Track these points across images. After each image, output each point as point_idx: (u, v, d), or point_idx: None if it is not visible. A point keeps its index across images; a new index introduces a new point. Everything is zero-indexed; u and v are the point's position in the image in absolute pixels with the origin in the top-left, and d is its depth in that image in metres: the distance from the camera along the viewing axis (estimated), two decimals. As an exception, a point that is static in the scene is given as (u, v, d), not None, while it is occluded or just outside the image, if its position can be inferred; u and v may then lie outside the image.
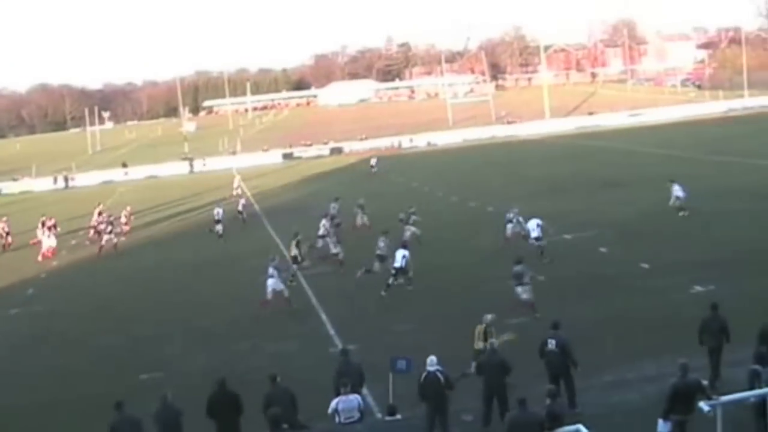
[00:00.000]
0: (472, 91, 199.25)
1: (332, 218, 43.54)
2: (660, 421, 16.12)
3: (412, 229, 39.63)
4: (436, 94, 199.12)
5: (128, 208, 56.50)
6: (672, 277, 30.22)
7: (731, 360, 20.08)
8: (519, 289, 27.72)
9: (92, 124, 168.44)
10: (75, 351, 28.42)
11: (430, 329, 26.50)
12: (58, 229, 51.13)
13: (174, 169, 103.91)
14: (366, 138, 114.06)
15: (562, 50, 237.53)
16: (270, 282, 30.81)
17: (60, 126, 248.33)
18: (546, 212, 43.04)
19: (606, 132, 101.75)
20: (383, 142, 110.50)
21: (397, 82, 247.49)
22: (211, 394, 17.73)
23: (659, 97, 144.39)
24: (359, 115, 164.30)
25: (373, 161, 78.16)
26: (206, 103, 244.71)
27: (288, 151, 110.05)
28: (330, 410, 16.72)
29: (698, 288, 28.39)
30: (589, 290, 29.68)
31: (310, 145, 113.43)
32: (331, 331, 27.38)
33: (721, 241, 35.75)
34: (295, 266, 36.03)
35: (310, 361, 23.97)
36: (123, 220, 53.60)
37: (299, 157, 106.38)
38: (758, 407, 16.61)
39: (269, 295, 30.72)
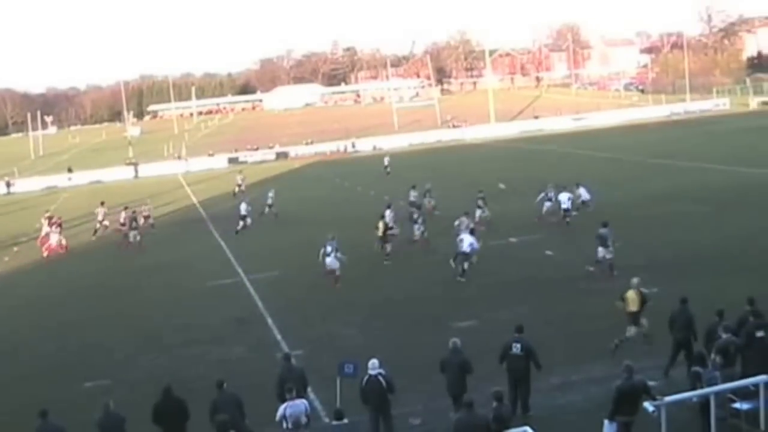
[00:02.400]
0: (417, 95, 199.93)
1: (411, 204, 46.65)
2: (606, 422, 16.30)
3: (481, 213, 41.82)
4: (382, 99, 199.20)
5: (149, 205, 56.41)
6: (616, 279, 30.42)
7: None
8: (601, 249, 31.34)
9: (35, 128, 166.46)
10: (18, 358, 28.04)
11: (377, 333, 26.56)
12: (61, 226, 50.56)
13: (119, 174, 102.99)
14: (312, 142, 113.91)
15: (507, 55, 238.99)
16: (328, 260, 33.80)
17: (1, 131, 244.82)
18: (492, 215, 43.35)
19: (550, 136, 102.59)
20: (329, 147, 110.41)
21: (342, 87, 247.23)
22: (157, 401, 17.61)
23: (603, 101, 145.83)
24: (305, 120, 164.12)
25: (386, 161, 75.85)
26: (151, 108, 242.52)
27: (234, 155, 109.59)
28: (278, 417, 16.67)
29: (642, 290, 28.66)
30: (534, 293, 29.88)
31: (256, 149, 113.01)
32: (278, 337, 27.31)
33: (664, 243, 36.21)
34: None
35: (257, 366, 23.86)
36: (146, 214, 53.36)
37: (245, 162, 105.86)
38: (702, 407, 16.89)
39: (327, 268, 33.95)
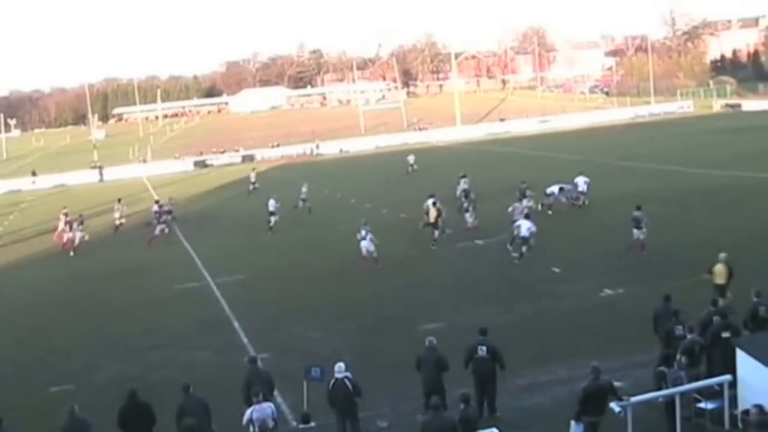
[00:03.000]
0: (383, 97, 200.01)
1: (466, 193, 47.86)
2: (572, 423, 16.39)
3: (527, 203, 42.20)
4: (348, 101, 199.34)
5: (173, 199, 56.43)
6: (582, 280, 30.73)
7: (639, 361, 20.54)
8: (636, 231, 34.17)
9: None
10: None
11: (343, 336, 26.56)
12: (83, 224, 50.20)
13: (83, 177, 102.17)
14: (278, 145, 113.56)
15: (473, 57, 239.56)
16: (363, 244, 36.34)
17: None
18: (458, 218, 43.44)
19: (516, 138, 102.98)
20: (295, 149, 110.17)
21: (309, 89, 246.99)
22: (123, 405, 17.50)
23: (568, 103, 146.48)
24: (271, 122, 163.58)
25: (411, 159, 74.35)
26: (116, 111, 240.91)
27: (200, 158, 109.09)
28: (244, 420, 16.62)
29: (608, 291, 28.97)
30: (501, 294, 30.04)
31: (222, 152, 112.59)
32: (244, 340, 27.24)
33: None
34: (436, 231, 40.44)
35: (223, 370, 23.77)
36: (168, 209, 52.91)
37: (211, 165, 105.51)
38: (667, 407, 17.01)
39: (364, 253, 36.36)
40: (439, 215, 40.72)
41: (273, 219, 48.59)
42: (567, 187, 45.89)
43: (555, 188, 46.18)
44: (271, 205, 49.12)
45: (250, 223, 51.17)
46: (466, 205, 44.02)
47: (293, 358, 23.41)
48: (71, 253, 46.91)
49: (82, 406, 17.57)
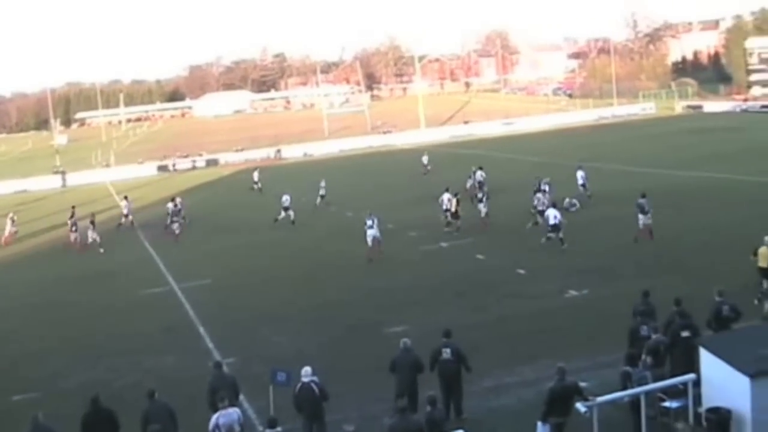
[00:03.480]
0: (347, 101, 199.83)
1: (480, 184, 51.08)
2: (539, 424, 16.46)
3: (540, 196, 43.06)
4: (312, 105, 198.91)
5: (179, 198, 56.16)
6: (547, 282, 30.86)
7: (604, 361, 20.65)
8: (642, 216, 36.20)
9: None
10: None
11: (310, 340, 26.51)
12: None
13: (46, 183, 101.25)
14: (242, 149, 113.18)
15: (437, 60, 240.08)
16: (370, 232, 38.22)
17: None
18: (423, 220, 43.56)
19: (480, 140, 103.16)
20: (259, 153, 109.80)
21: (272, 93, 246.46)
22: (86, 412, 17.36)
23: (532, 106, 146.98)
24: (235, 126, 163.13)
25: (425, 159, 73.08)
26: (78, 115, 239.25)
27: (163, 163, 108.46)
28: (211, 426, 16.49)
29: (573, 292, 29.10)
30: (466, 297, 30.10)
31: (186, 156, 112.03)
32: (210, 345, 27.12)
33: (594, 246, 36.66)
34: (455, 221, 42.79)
35: (188, 375, 23.62)
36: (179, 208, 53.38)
37: (175, 169, 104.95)
38: (633, 406, 17.12)
39: (369, 243, 38.18)
40: (458, 204, 43.22)
41: (291, 214, 49.83)
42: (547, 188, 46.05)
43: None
44: (285, 200, 50.43)
45: (214, 228, 50.98)
46: (480, 196, 45.53)
47: (259, 363, 23.35)
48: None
49: (47, 413, 17.44)
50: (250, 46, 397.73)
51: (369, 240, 38.37)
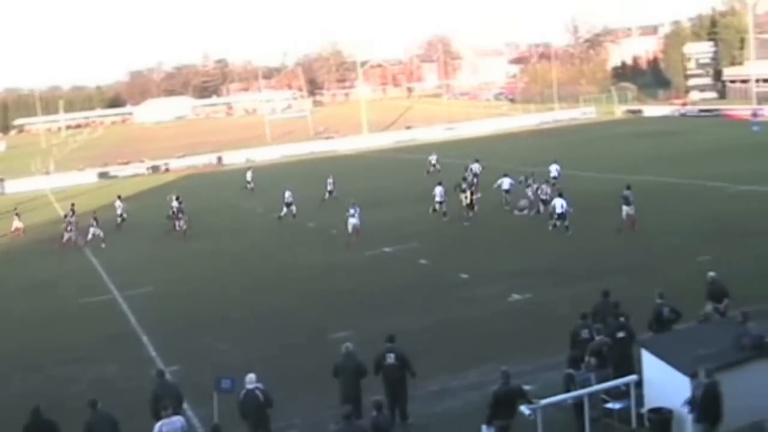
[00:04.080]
0: (290, 107, 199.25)
1: (475, 175, 54.94)
2: (483, 427, 16.53)
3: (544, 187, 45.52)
4: (254, 111, 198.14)
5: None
6: (490, 286, 31.00)
7: (548, 364, 20.79)
8: (625, 208, 38.09)
9: None
10: None
11: (254, 346, 26.41)
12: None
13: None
14: (184, 155, 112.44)
15: (379, 66, 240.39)
16: (351, 221, 41.91)
17: None
18: (366, 226, 43.53)
19: (423, 145, 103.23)
20: (202, 159, 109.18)
21: (214, 99, 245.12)
22: (25, 423, 17.13)
23: (474, 110, 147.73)
24: (177, 133, 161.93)
25: (433, 158, 71.84)
26: (17, 122, 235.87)
27: (104, 169, 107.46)
28: (154, 435, 16.39)
29: (516, 296, 29.25)
30: (410, 301, 30.14)
31: (127, 163, 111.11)
32: (153, 353, 26.88)
33: (538, 249, 36.91)
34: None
35: (131, 384, 23.42)
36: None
37: (115, 176, 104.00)
38: (576, 408, 17.27)
39: (350, 230, 41.77)
40: (472, 194, 46.23)
41: (293, 209, 51.35)
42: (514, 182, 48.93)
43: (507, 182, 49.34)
44: (288, 196, 51.97)
45: (157, 234, 50.57)
46: (464, 186, 47.70)
47: (203, 370, 23.15)
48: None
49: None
50: (191, 51, 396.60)
51: (350, 227, 41.85)
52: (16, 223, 56.14)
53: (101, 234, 48.85)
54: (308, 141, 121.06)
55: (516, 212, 45.73)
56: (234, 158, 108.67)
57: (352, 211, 42.58)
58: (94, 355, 27.38)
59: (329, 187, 58.39)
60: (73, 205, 53.63)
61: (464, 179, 50.76)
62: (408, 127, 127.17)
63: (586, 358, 18.17)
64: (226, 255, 43.11)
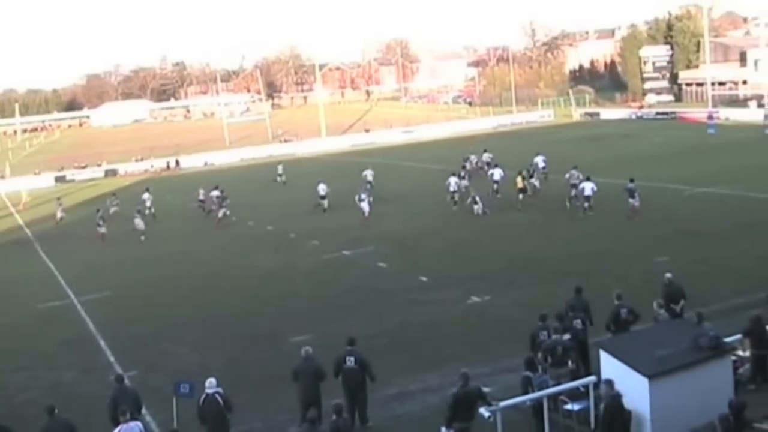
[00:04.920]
0: (248, 110, 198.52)
1: (488, 164, 59.79)
2: (443, 430, 16.54)
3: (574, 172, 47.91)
4: (212, 114, 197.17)
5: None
6: (449, 289, 31.07)
7: (507, 366, 20.87)
8: (631, 200, 41.24)
9: None
10: None
11: (212, 351, 26.29)
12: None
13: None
14: (142, 159, 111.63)
15: (337, 69, 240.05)
16: (362, 204, 47.30)
17: None
18: (324, 229, 43.59)
19: (381, 149, 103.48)
20: (159, 163, 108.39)
21: (172, 102, 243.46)
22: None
23: (432, 113, 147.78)
24: (134, 136, 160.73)
25: (473, 158, 68.56)
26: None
27: (60, 173, 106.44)
28: (112, 441, 16.29)
29: (475, 298, 29.35)
30: (369, 304, 30.15)
31: (84, 167, 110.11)
32: (111, 358, 26.68)
33: (496, 252, 37.05)
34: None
35: (89, 390, 23.24)
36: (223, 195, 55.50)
37: (72, 180, 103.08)
38: (534, 410, 17.34)
39: (366, 214, 46.82)
40: (524, 180, 49.32)
41: (325, 203, 52.96)
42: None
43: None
44: (322, 189, 53.44)
45: (115, 239, 50.17)
46: (462, 174, 53.94)
47: (162, 375, 23.06)
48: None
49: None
50: (149, 54, 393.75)
51: (365, 211, 47.15)
52: (60, 213, 56.36)
53: (143, 227, 50.31)
54: (267, 144, 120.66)
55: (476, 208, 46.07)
56: (192, 162, 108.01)
57: (363, 195, 48.54)
58: (52, 361, 27.13)
59: (369, 178, 60.70)
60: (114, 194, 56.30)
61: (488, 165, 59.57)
62: (366, 131, 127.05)
63: (539, 357, 18.31)
64: (185, 259, 42.90)
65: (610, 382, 15.63)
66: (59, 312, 33.98)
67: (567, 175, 47.79)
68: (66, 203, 63.09)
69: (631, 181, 42.17)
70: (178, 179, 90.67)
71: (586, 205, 43.13)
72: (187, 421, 17.88)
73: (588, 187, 43.16)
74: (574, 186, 46.16)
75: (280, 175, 73.27)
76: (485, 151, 65.05)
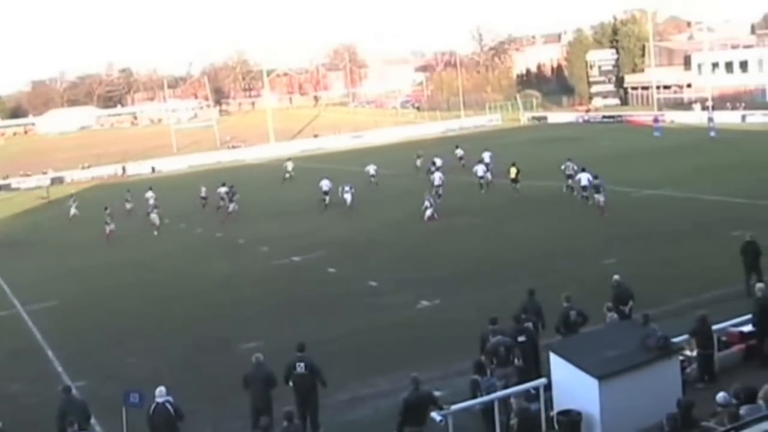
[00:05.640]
0: (195, 116, 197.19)
1: (487, 165, 59.25)
2: (395, 434, 16.53)
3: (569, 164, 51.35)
4: (160, 120, 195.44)
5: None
6: (399, 293, 31.09)
7: (457, 370, 20.91)
8: (597, 195, 42.60)
9: None
10: None
11: (162, 359, 26.08)
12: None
13: None
14: (89, 166, 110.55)
15: (285, 74, 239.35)
16: (346, 196, 51.78)
17: None
18: (273, 235, 43.45)
19: (330, 154, 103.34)
20: (106, 170, 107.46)
21: (119, 109, 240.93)
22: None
23: (380, 119, 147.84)
24: (81, 143, 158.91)
25: (486, 156, 66.62)
26: None
27: (5, 182, 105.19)
28: (59, 452, 16.09)
29: (425, 303, 29.41)
30: (319, 310, 30.09)
31: (29, 175, 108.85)
32: (59, 369, 26.36)
33: (447, 256, 37.14)
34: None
35: (37, 401, 22.89)
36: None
37: (17, 189, 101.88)
38: (485, 413, 17.38)
39: (348, 203, 51.71)
40: (518, 173, 52.71)
41: (327, 198, 54.39)
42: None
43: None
44: (325, 185, 55.11)
45: (60, 247, 49.66)
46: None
47: (111, 384, 22.83)
48: None
49: None
50: (95, 60, 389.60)
51: (347, 202, 51.59)
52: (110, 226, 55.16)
53: (157, 221, 52.57)
54: (215, 151, 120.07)
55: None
56: (139, 169, 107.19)
57: (346, 188, 52.29)
58: (-2, 372, 26.79)
59: (372, 172, 64.11)
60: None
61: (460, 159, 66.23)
62: (315, 136, 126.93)
63: (483, 359, 18.40)
64: (132, 267, 42.50)
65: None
66: (5, 322, 33.58)
67: (563, 167, 50.93)
68: (12, 211, 62.40)
69: (595, 177, 43.64)
70: (125, 186, 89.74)
71: (584, 194, 45.32)
72: (137, 431, 17.72)
73: (584, 178, 45.46)
74: (570, 177, 49.43)
75: (289, 172, 76.50)
76: (456, 146, 71.39)
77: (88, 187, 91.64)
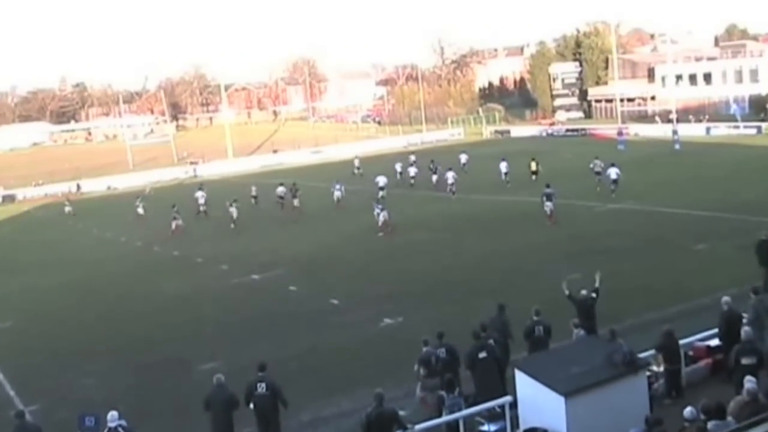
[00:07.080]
0: (152, 131, 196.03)
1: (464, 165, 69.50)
2: (356, 453, 16.21)
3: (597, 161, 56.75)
4: (115, 136, 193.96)
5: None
6: (361, 311, 30.77)
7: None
8: (548, 203, 43.96)
9: None
10: None
11: (118, 381, 25.57)
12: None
13: None
14: (42, 183, 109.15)
15: (244, 89, 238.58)
16: (336, 194, 57.37)
17: None
18: (233, 253, 42.95)
19: (290, 169, 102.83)
20: (60, 188, 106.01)
21: (73, 124, 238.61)
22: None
23: (341, 133, 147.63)
24: (33, 160, 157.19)
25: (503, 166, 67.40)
26: None
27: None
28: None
29: (387, 320, 29.11)
30: (279, 329, 29.72)
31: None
32: (11, 392, 25.73)
33: (406, 272, 36.85)
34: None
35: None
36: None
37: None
38: (451, 430, 17.11)
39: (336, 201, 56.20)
40: (537, 165, 59.98)
41: (383, 194, 56.30)
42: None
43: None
44: (380, 181, 58.76)
45: (12, 268, 48.78)
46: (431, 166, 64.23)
47: (66, 408, 22.35)
48: None
49: None
50: (47, 75, 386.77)
51: (335, 199, 56.24)
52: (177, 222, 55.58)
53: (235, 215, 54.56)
54: (172, 167, 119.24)
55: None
56: (94, 186, 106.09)
57: (337, 186, 57.12)
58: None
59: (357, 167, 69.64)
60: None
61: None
62: (274, 151, 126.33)
63: (416, 367, 18.35)
64: (87, 287, 41.80)
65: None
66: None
67: (591, 165, 56.06)
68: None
69: (547, 186, 45.50)
70: (79, 203, 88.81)
71: (612, 187, 50.13)
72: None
73: (613, 172, 50.53)
74: (598, 174, 54.46)
75: (357, 168, 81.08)
76: (463, 152, 76.29)
77: (41, 205, 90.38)
